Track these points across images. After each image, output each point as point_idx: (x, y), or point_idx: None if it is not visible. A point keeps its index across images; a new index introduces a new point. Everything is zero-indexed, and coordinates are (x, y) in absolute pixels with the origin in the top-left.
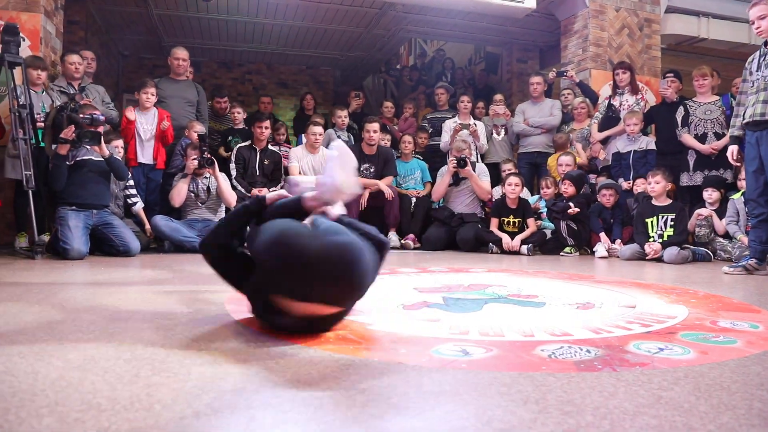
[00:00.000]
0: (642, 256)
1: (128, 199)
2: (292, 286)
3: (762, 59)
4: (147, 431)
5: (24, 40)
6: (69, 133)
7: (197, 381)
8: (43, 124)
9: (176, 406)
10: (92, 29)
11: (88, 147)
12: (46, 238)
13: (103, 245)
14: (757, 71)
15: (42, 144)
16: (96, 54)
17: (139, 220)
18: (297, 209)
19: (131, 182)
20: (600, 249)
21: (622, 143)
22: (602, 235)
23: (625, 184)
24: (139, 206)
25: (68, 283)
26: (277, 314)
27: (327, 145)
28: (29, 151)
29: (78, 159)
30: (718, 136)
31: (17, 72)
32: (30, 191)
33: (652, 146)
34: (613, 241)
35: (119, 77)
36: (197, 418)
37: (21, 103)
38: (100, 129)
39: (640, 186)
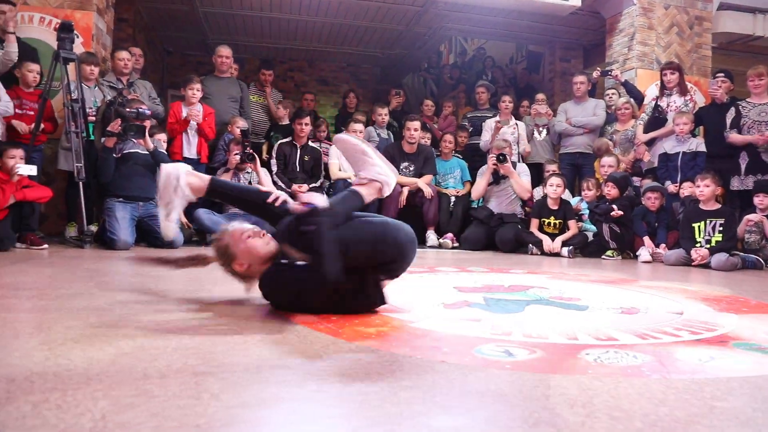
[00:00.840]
0: (688, 262)
1: None
2: (397, 267)
3: None
4: (197, 419)
5: (77, 37)
6: (116, 126)
7: (243, 372)
8: (94, 118)
9: (224, 396)
10: (140, 26)
11: (134, 140)
12: (94, 228)
13: (148, 236)
14: None
15: (92, 137)
16: (143, 51)
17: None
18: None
19: None
20: (644, 253)
21: (670, 144)
22: (646, 239)
23: (671, 187)
24: None
25: (115, 272)
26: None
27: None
28: (81, 144)
29: (125, 152)
30: None
31: (71, 68)
32: (80, 183)
33: (702, 148)
34: (657, 246)
35: (164, 73)
36: (244, 408)
37: (74, 97)
38: (146, 123)
39: (687, 189)
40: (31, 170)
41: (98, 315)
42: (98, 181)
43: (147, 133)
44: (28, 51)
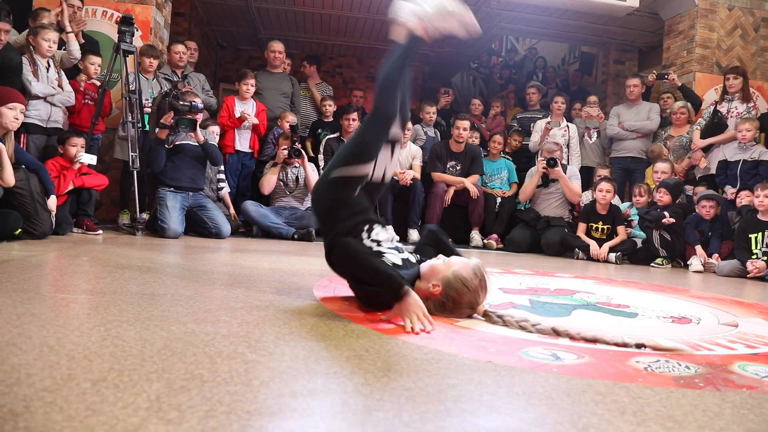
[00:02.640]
0: (743, 274)
1: (218, 184)
2: None
3: None
4: (247, 405)
5: (137, 30)
6: (168, 119)
7: (291, 362)
8: (149, 110)
9: (273, 384)
10: (195, 21)
11: (185, 133)
12: (146, 216)
13: (197, 226)
14: None
15: (147, 128)
16: (197, 44)
17: (225, 203)
18: None
19: (222, 167)
20: (695, 262)
21: (731, 151)
22: (698, 248)
23: (729, 192)
24: (225, 191)
25: (167, 260)
26: None
27: (414, 140)
28: (136, 134)
29: (177, 143)
30: None
31: (130, 60)
32: (134, 172)
33: (766, 157)
34: (710, 255)
35: (217, 67)
36: (294, 397)
37: (131, 89)
38: (198, 117)
39: (745, 198)
40: (92, 159)
41: (151, 300)
42: (151, 171)
43: (198, 126)
44: (91, 43)
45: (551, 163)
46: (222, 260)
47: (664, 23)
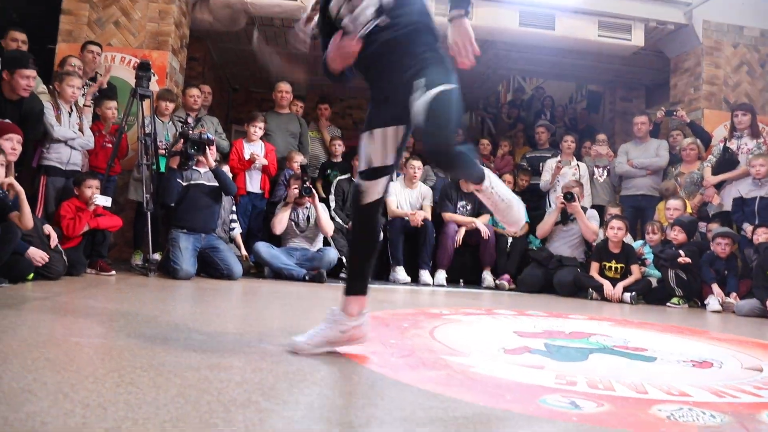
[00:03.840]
0: (763, 313)
1: (230, 224)
2: None
3: None
4: None
5: (153, 75)
6: (179, 145)
7: (306, 411)
8: (164, 152)
9: None
10: (209, 65)
11: (195, 159)
12: (158, 256)
13: (209, 267)
14: None
15: (162, 170)
16: (211, 87)
17: (236, 244)
18: None
19: (234, 208)
20: (713, 302)
21: (746, 188)
22: (715, 287)
23: (748, 230)
24: (236, 232)
25: (179, 302)
26: None
27: (424, 181)
28: (151, 176)
29: (191, 182)
30: None
31: (146, 104)
32: (148, 213)
33: None
34: (727, 294)
35: (229, 109)
36: None
37: (147, 132)
38: (212, 150)
39: (762, 236)
40: (106, 201)
41: (164, 344)
42: (162, 204)
43: (207, 150)
44: (110, 88)
45: (568, 197)
46: (234, 303)
47: (670, 61)
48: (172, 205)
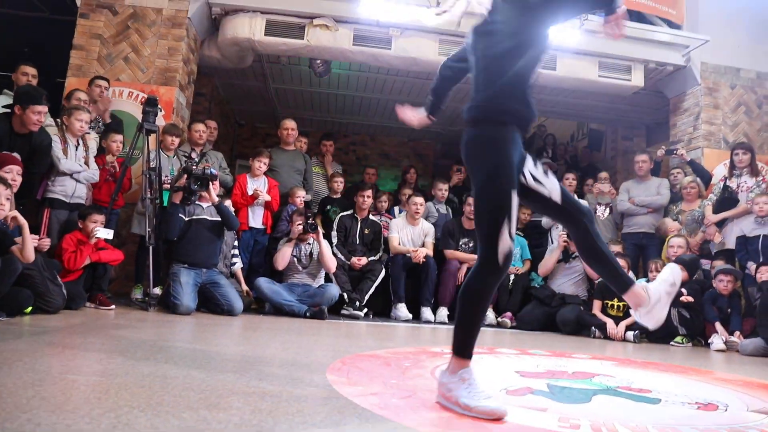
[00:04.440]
0: (767, 353)
1: (231, 259)
2: None
3: None
4: None
5: (160, 110)
6: (182, 180)
7: None
8: (168, 186)
9: None
10: (216, 100)
11: (198, 194)
12: (158, 291)
13: (209, 302)
14: None
15: (165, 204)
16: (217, 122)
17: (237, 279)
18: None
19: (236, 243)
20: (716, 341)
21: (749, 226)
22: (718, 325)
23: (752, 268)
24: (238, 266)
25: (179, 339)
26: None
27: (426, 218)
28: (154, 210)
29: (194, 217)
30: None
31: (152, 138)
32: (150, 247)
33: None
34: (731, 333)
35: (234, 144)
36: None
37: (152, 166)
38: (215, 185)
39: (765, 274)
40: (108, 234)
41: (162, 382)
42: (167, 246)
43: (211, 186)
44: (116, 122)
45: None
46: (234, 339)
47: (669, 101)
48: (174, 239)
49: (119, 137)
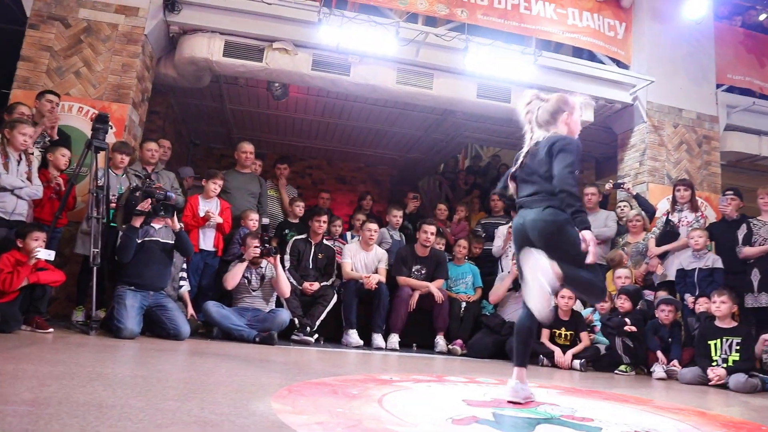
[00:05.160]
0: (704, 381)
1: (179, 282)
2: None
3: None
4: None
5: (111, 127)
6: (146, 205)
7: None
8: (115, 205)
9: None
10: (170, 119)
11: (161, 220)
12: (101, 314)
13: (155, 326)
14: None
15: (113, 224)
16: (170, 142)
17: (184, 302)
18: None
19: (185, 266)
20: (658, 370)
21: (686, 260)
22: (659, 354)
23: (689, 301)
24: (185, 289)
25: (120, 364)
26: None
27: (380, 244)
28: (100, 229)
29: (145, 239)
30: None
31: (101, 156)
32: (95, 268)
33: (719, 264)
34: (669, 361)
35: (188, 163)
36: None
37: (99, 184)
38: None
39: (702, 305)
40: (49, 255)
41: (98, 412)
42: (113, 266)
43: (175, 213)
44: (63, 138)
45: None
46: (178, 365)
47: (617, 137)
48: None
49: (67, 152)
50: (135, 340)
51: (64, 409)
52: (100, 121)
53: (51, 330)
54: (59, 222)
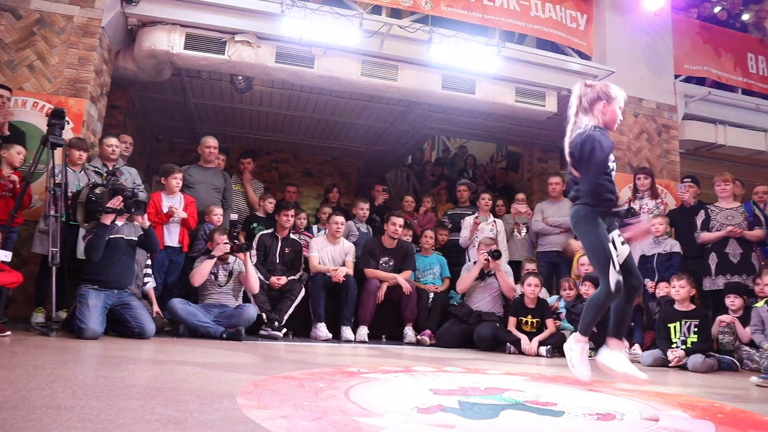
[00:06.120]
0: (664, 363)
1: (143, 279)
2: None
3: None
4: None
5: (68, 123)
6: (117, 202)
7: None
8: (70, 202)
9: None
10: (131, 113)
11: (133, 216)
12: (63, 314)
13: (118, 325)
14: None
15: (72, 222)
16: (132, 136)
17: (149, 300)
18: None
19: (149, 262)
20: None
21: (647, 246)
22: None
23: (649, 285)
24: (150, 286)
25: (81, 366)
26: None
27: (347, 237)
28: (59, 228)
29: (110, 237)
30: (741, 243)
31: (58, 153)
32: (54, 267)
33: (677, 249)
34: (631, 345)
35: (151, 159)
36: None
37: (57, 182)
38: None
39: (662, 290)
40: (6, 256)
41: (55, 414)
42: (70, 258)
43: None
44: (17, 134)
45: (496, 255)
46: (142, 364)
47: None
48: (82, 259)
49: (22, 149)
50: (98, 340)
51: (20, 413)
52: (56, 117)
53: (8, 333)
54: (15, 221)
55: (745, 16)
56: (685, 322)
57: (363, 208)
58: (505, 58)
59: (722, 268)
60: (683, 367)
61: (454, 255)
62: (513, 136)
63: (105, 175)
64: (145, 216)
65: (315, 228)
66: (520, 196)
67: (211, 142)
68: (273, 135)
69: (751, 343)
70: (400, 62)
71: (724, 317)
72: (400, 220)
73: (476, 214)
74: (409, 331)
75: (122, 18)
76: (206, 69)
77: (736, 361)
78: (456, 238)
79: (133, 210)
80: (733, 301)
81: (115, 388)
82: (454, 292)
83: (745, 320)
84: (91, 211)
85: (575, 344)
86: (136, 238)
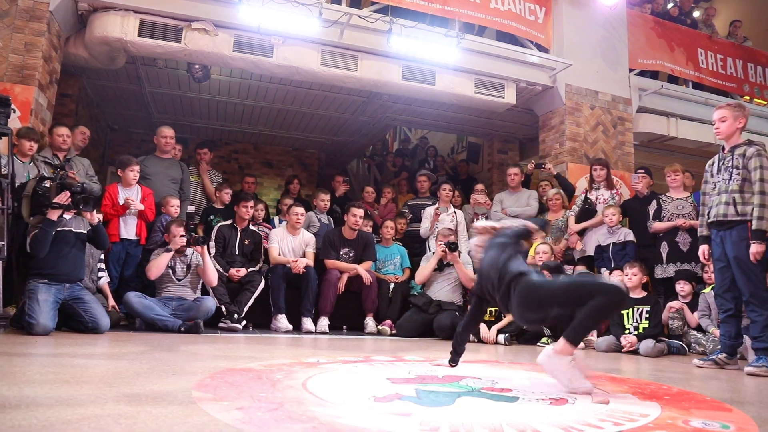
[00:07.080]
0: (618, 348)
1: (97, 273)
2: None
3: (721, 162)
4: None
5: (14, 111)
6: (64, 198)
7: None
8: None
9: None
10: (84, 102)
11: (81, 212)
12: (11, 310)
13: (71, 320)
14: (717, 174)
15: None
16: (86, 126)
17: (104, 294)
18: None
19: (102, 256)
20: None
21: (603, 236)
22: None
23: (605, 274)
24: (104, 281)
25: (31, 363)
26: None
27: (308, 228)
28: (6, 221)
29: (58, 230)
30: (691, 232)
31: (3, 142)
32: (1, 262)
33: (631, 238)
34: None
35: (106, 149)
36: None
37: (3, 173)
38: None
39: (616, 277)
40: None
41: (0, 415)
42: (25, 260)
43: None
44: None
45: (452, 247)
46: (96, 359)
47: (539, 118)
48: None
49: None
50: (49, 336)
51: None
52: (1, 105)
53: None
54: None
55: (696, 13)
56: (637, 308)
57: (324, 200)
58: (464, 50)
59: (673, 256)
60: (635, 352)
61: (415, 245)
62: (473, 128)
63: (54, 168)
64: (95, 212)
65: (276, 219)
66: (479, 186)
67: (167, 132)
68: (232, 125)
69: (699, 328)
70: (360, 52)
71: (673, 303)
72: (360, 211)
73: (437, 206)
74: (370, 321)
75: (72, 2)
76: (162, 57)
77: (684, 345)
78: (416, 228)
79: (81, 206)
80: (683, 288)
81: (66, 384)
82: (414, 283)
83: (693, 306)
84: (37, 205)
85: (562, 358)
86: (85, 231)
